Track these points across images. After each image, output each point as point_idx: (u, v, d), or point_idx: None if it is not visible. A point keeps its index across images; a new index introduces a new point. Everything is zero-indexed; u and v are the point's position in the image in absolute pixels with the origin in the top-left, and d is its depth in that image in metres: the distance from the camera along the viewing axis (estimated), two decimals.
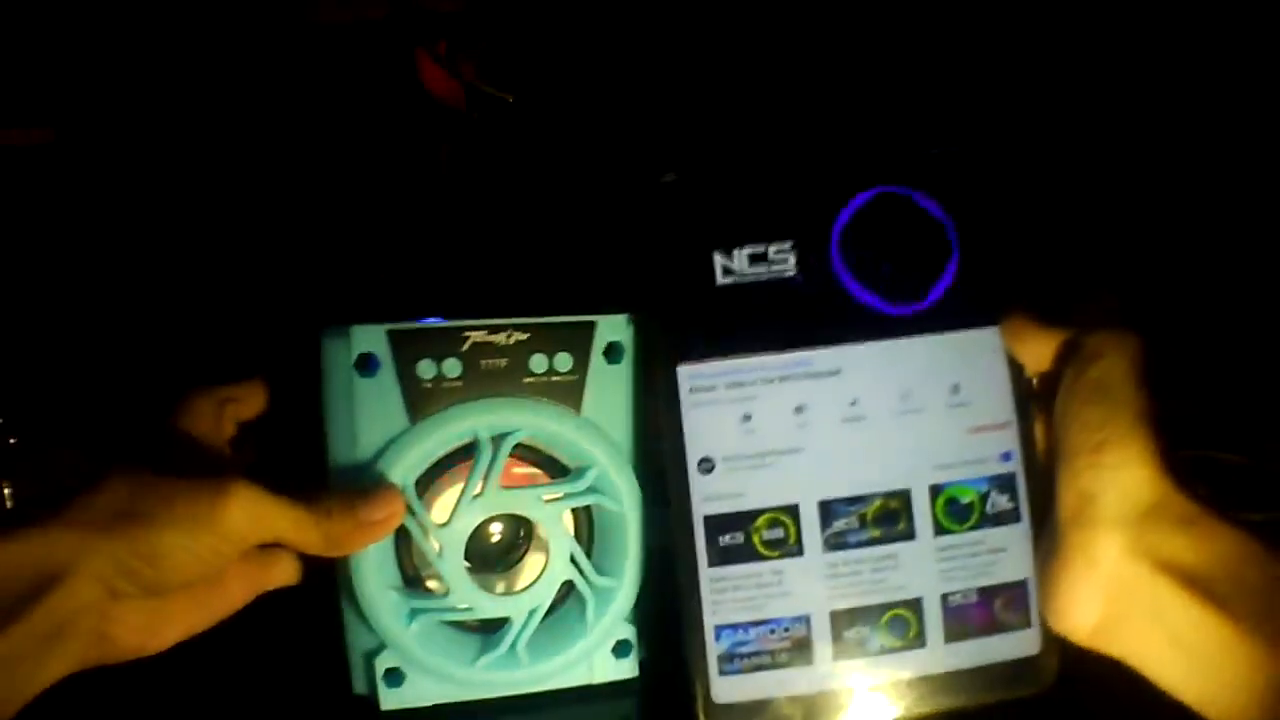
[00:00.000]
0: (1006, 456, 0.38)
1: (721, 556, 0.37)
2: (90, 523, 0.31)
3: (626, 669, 0.42)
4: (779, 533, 0.37)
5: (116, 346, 0.49)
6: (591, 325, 0.40)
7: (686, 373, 0.37)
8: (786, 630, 0.37)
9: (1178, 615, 0.31)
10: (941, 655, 0.38)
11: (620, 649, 0.42)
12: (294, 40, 0.51)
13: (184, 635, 0.35)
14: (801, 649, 0.37)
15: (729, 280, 0.37)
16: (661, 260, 0.38)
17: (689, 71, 0.50)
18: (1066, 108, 0.50)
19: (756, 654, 0.37)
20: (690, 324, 0.37)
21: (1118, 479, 0.32)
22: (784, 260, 0.38)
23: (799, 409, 0.37)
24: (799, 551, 0.37)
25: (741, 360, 0.37)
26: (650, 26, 0.51)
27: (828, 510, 0.37)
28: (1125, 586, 0.32)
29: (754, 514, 0.37)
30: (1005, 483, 0.38)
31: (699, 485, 0.37)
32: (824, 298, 0.38)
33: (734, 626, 0.37)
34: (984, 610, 0.38)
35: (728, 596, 0.37)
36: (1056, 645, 0.37)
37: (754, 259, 0.37)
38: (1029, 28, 0.50)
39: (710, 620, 0.37)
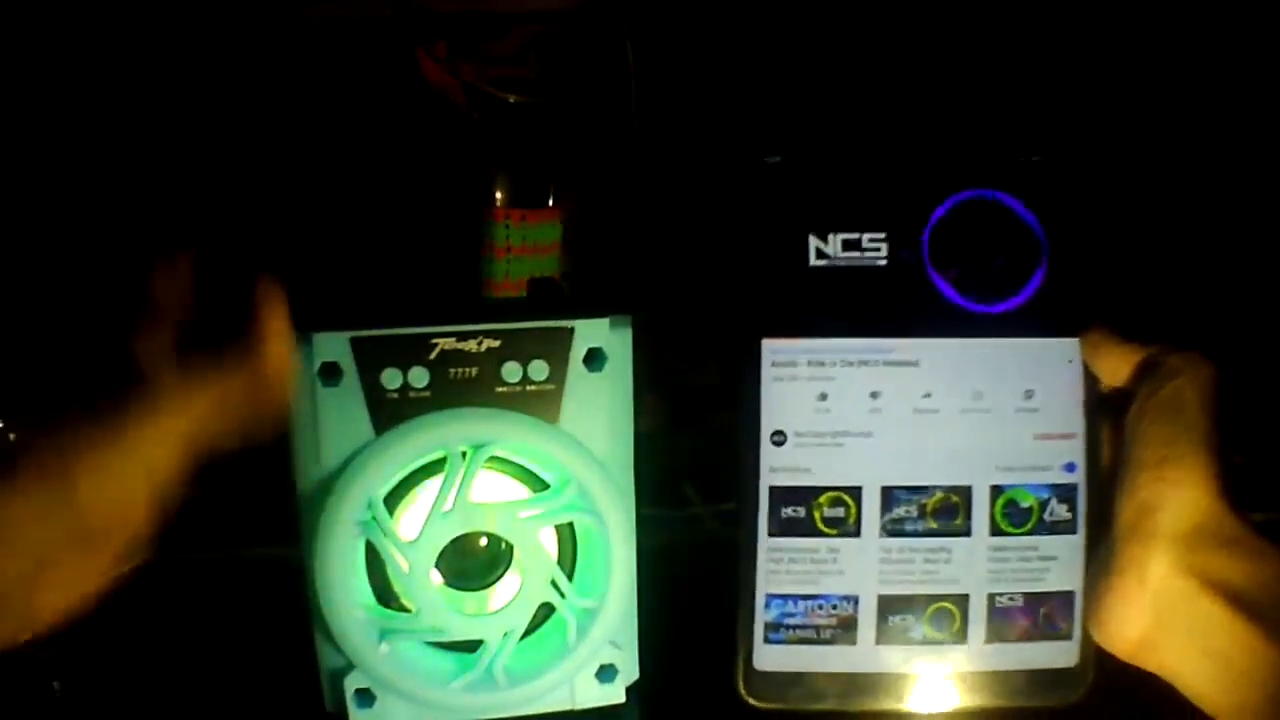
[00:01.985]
0: (1070, 467, 0.38)
1: (782, 528, 0.38)
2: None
3: (611, 694, 0.40)
4: (840, 511, 0.38)
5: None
6: (569, 331, 0.37)
7: (770, 347, 0.38)
8: (834, 608, 0.38)
9: (1220, 632, 0.31)
10: (980, 654, 0.38)
11: (604, 673, 0.40)
12: (288, 42, 0.49)
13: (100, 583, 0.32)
14: (846, 628, 0.38)
15: (821, 263, 0.38)
16: (758, 237, 0.38)
17: (802, 59, 0.50)
18: (1171, 134, 0.50)
19: (802, 627, 0.38)
20: (780, 300, 0.38)
21: (1176, 495, 0.33)
22: (876, 249, 0.38)
23: (874, 394, 0.38)
24: (856, 533, 0.38)
25: (824, 341, 0.38)
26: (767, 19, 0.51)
27: (889, 496, 0.38)
28: (1170, 602, 0.33)
29: (818, 490, 0.38)
30: (1066, 493, 0.38)
31: (769, 456, 0.38)
32: (911, 290, 0.38)
33: (784, 597, 0.38)
34: (1028, 616, 0.38)
35: (782, 567, 0.38)
36: (1094, 659, 0.38)
37: (847, 245, 0.38)
38: (1144, 48, 0.49)
39: (762, 588, 0.38)
